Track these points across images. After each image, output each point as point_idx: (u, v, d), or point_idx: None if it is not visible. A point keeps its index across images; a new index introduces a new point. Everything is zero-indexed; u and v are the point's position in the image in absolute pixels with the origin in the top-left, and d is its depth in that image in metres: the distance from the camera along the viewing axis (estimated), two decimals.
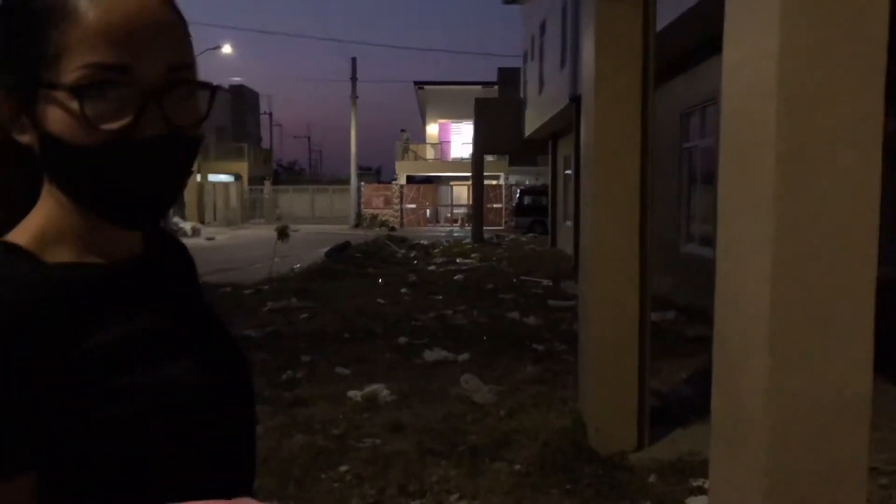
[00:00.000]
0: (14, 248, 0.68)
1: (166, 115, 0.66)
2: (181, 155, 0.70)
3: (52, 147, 0.66)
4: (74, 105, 0.63)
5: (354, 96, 34.84)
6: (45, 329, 0.63)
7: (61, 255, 0.70)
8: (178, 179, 0.71)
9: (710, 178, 8.59)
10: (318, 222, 35.58)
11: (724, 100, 2.34)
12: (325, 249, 16.78)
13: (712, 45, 2.31)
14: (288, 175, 57.71)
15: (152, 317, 0.73)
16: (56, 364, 0.63)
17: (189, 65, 0.69)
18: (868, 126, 2.02)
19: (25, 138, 0.69)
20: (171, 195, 0.71)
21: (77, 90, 0.63)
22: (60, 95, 0.64)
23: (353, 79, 34.74)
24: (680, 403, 5.17)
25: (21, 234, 0.70)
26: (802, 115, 2.02)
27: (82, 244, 0.71)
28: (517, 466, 4.05)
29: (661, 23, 7.23)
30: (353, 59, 34.77)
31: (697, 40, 8.27)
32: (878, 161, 2.04)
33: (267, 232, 20.21)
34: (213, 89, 0.73)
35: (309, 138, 73.16)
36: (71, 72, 0.63)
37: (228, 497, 0.63)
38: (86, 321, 0.66)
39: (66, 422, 0.63)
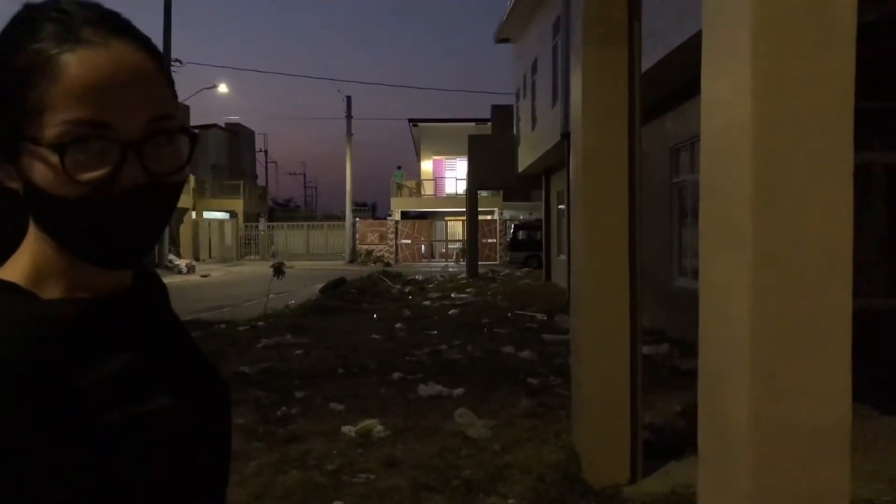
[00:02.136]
0: (13, 287, 0.70)
1: (146, 164, 0.68)
2: (160, 202, 0.72)
3: (35, 196, 0.69)
4: (55, 159, 0.66)
5: (349, 133, 35.22)
6: (51, 367, 0.65)
7: (53, 290, 0.72)
8: (157, 225, 0.73)
9: None
10: (314, 258, 35.65)
11: (702, 136, 2.42)
12: (320, 285, 16.80)
13: (699, 82, 2.39)
14: (283, 212, 57.96)
15: (142, 348, 0.75)
16: (60, 401, 0.65)
17: (169, 115, 0.72)
18: (840, 159, 2.10)
19: (13, 184, 0.71)
20: (151, 240, 0.73)
21: (56, 146, 0.66)
22: (41, 150, 0.67)
23: (349, 116, 35.17)
24: (673, 436, 5.18)
25: (15, 272, 0.72)
26: (776, 149, 2.10)
27: (72, 279, 0.73)
28: (511, 501, 4.05)
29: (650, 61, 7.41)
30: (349, 98, 35.29)
31: (684, 78, 8.45)
32: (851, 193, 2.11)
33: (262, 268, 20.19)
34: (193, 136, 0.75)
35: (304, 175, 73.85)
36: (51, 127, 0.66)
37: None
38: (85, 356, 0.69)
39: (68, 459, 0.64)
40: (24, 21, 0.70)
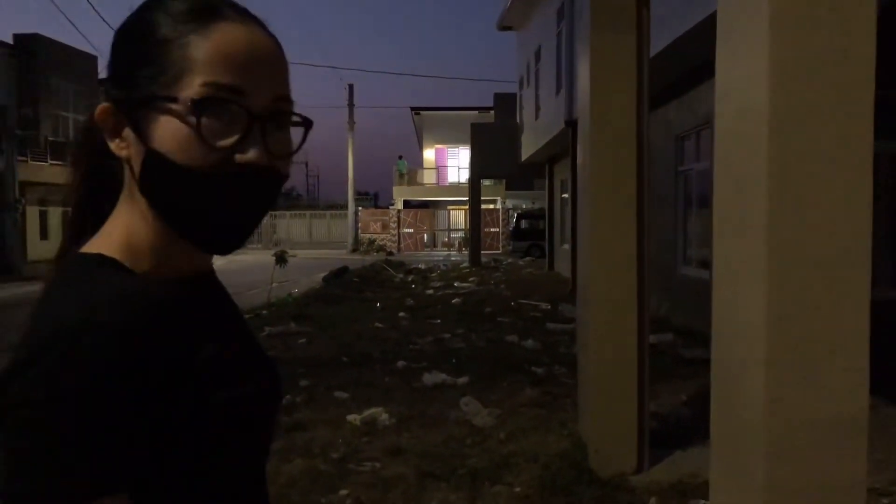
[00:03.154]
0: (115, 263, 0.71)
1: (267, 141, 0.70)
2: (272, 188, 0.73)
3: (156, 164, 0.69)
4: (192, 118, 0.67)
5: (352, 122, 35.04)
6: (158, 346, 0.65)
7: (144, 268, 0.72)
8: (263, 211, 0.74)
9: (706, 202, 8.65)
10: (316, 247, 35.61)
11: (716, 121, 2.38)
12: (323, 274, 16.80)
13: (706, 69, 2.36)
14: (285, 201, 57.79)
15: (229, 332, 0.79)
16: (175, 379, 0.66)
17: (289, 98, 0.74)
18: (858, 145, 2.06)
19: (124, 152, 0.72)
20: (254, 226, 0.74)
21: (198, 103, 0.67)
22: (178, 109, 0.68)
23: (351, 105, 34.95)
24: (679, 425, 5.17)
25: (108, 245, 0.72)
26: (793, 134, 2.06)
27: (163, 259, 0.74)
28: (517, 489, 4.04)
29: (655, 48, 7.34)
30: (350, 86, 35.00)
31: (691, 65, 8.39)
32: (869, 179, 2.08)
33: (264, 257, 20.15)
34: (308, 125, 0.77)
35: (306, 164, 73.27)
36: (191, 88, 0.68)
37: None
38: (191, 337, 0.70)
39: (169, 437, 0.65)
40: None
